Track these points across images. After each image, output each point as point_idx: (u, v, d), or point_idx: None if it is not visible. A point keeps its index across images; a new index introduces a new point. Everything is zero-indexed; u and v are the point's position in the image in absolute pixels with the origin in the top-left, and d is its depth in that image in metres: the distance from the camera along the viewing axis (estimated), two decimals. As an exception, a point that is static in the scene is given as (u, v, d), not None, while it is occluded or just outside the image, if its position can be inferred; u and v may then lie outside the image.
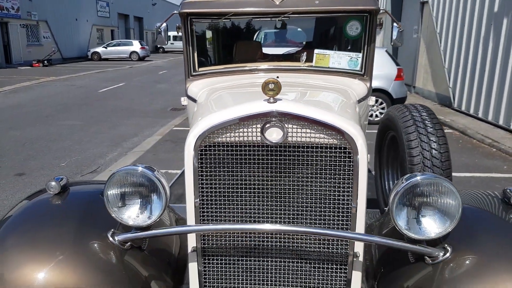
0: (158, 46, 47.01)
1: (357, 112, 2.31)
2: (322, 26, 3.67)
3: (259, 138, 1.64)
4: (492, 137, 8.21)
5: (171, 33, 36.03)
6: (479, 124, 9.34)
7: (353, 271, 1.75)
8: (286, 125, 1.61)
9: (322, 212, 1.70)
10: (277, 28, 3.59)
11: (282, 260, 1.77)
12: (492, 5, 9.40)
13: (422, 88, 13.69)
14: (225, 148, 1.67)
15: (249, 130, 1.64)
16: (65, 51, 31.69)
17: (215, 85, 2.91)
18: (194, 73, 3.19)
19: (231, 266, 1.80)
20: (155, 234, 1.74)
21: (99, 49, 33.58)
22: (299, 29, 4.36)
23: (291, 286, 1.80)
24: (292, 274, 1.79)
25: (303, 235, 1.72)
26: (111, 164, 6.65)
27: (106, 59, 32.79)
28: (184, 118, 10.23)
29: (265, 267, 1.79)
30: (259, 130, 1.63)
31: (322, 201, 1.69)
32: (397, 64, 9.94)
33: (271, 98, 1.60)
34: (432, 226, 1.57)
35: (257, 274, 1.80)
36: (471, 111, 10.17)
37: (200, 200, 1.72)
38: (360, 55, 3.07)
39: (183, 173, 4.45)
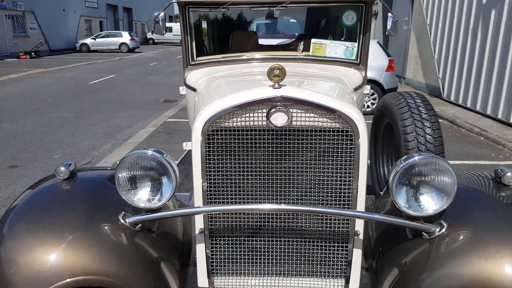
0: (149, 37, 46.59)
1: (354, 99, 2.38)
2: (317, 16, 3.72)
3: (264, 123, 1.70)
4: (480, 126, 8.40)
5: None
6: (467, 114, 9.53)
7: (354, 249, 1.83)
8: (291, 110, 1.67)
9: (325, 193, 1.78)
10: (275, 17, 3.64)
11: (286, 239, 1.85)
12: (481, -4, 9.55)
13: (412, 79, 13.86)
14: (232, 133, 1.73)
15: (255, 115, 1.70)
16: (53, 42, 31.20)
17: (214, 74, 2.96)
18: (192, 63, 3.22)
19: (238, 246, 1.87)
20: (166, 216, 1.81)
21: (88, 41, 33.13)
22: (291, 20, 4.42)
23: (296, 264, 1.88)
24: (296, 253, 1.87)
25: (306, 215, 1.80)
26: (105, 156, 6.66)
27: (95, 51, 32.37)
28: (178, 110, 10.24)
29: (270, 247, 1.86)
30: (264, 115, 1.69)
31: (325, 182, 1.77)
32: (388, 55, 10.06)
33: (276, 83, 1.67)
34: (429, 203, 1.66)
35: (262, 254, 1.87)
36: (460, 101, 10.35)
37: (207, 184, 1.79)
38: (356, 44, 3.14)
39: (180, 163, 4.49)
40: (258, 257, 1.88)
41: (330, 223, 1.81)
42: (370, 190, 3.52)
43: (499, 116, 8.60)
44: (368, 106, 9.68)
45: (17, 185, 5.37)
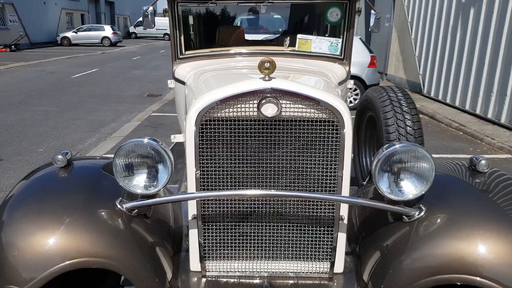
0: (131, 31, 45.97)
1: (339, 92, 2.49)
2: (302, 12, 3.81)
3: (255, 113, 1.79)
4: (459, 121, 8.67)
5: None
6: (447, 109, 9.81)
7: (339, 233, 1.94)
8: (280, 101, 1.77)
9: (312, 180, 1.88)
10: (258, 13, 3.72)
11: (275, 225, 1.95)
12: (460, -5, 9.81)
13: (393, 75, 14.13)
14: (224, 123, 1.81)
15: (246, 105, 1.78)
16: (33, 35, 30.50)
17: (202, 68, 3.02)
18: (181, 56, 3.28)
19: (228, 231, 1.95)
20: (161, 202, 1.88)
21: (69, 34, 32.52)
22: (276, 16, 4.50)
23: (284, 249, 1.98)
24: (284, 237, 1.97)
25: (294, 201, 1.90)
26: (90, 149, 6.64)
27: (77, 45, 31.82)
28: (162, 104, 10.23)
29: (259, 232, 1.96)
30: (255, 105, 1.77)
31: (312, 170, 1.87)
32: (370, 52, 10.25)
33: (267, 76, 1.75)
34: (410, 188, 1.78)
35: (252, 239, 1.96)
36: (440, 97, 10.64)
37: (200, 171, 1.87)
38: (340, 40, 3.24)
39: None
40: (248, 242, 1.97)
41: (316, 209, 1.91)
42: (353, 181, 3.64)
43: (477, 112, 8.89)
44: (350, 102, 9.86)
45: (2, 178, 5.33)
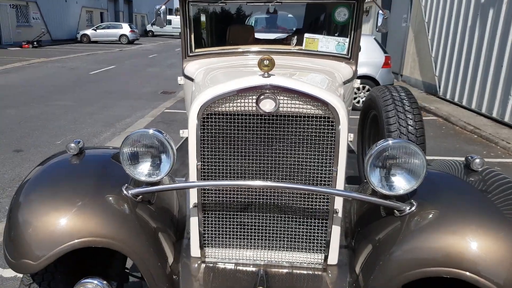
0: (148, 29, 46.55)
1: (340, 91, 2.55)
2: (312, 12, 3.87)
3: (254, 108, 1.86)
4: (474, 124, 8.56)
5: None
6: (462, 112, 9.70)
7: (333, 225, 2.01)
8: (278, 97, 1.84)
9: (308, 174, 1.95)
10: (270, 13, 3.79)
11: (271, 215, 2.03)
12: (478, -4, 9.68)
13: (409, 76, 14.01)
14: (224, 117, 1.90)
15: (246, 101, 1.87)
16: (55, 32, 31.25)
17: (210, 65, 3.12)
18: (190, 54, 3.38)
19: (227, 220, 2.04)
20: (164, 189, 1.99)
21: (89, 32, 33.19)
22: (289, 15, 4.57)
23: (280, 239, 2.06)
24: (280, 228, 2.04)
25: (290, 193, 1.98)
26: (105, 143, 6.84)
27: (96, 42, 32.45)
28: (175, 101, 10.40)
29: (256, 222, 2.04)
30: (254, 101, 1.85)
31: (308, 164, 1.94)
32: (384, 52, 10.20)
33: (266, 73, 1.84)
34: (401, 183, 1.83)
35: (249, 229, 2.05)
36: (456, 99, 10.51)
37: (201, 163, 1.96)
38: (347, 40, 3.29)
39: (177, 150, 4.69)
40: (245, 232, 2.05)
41: (311, 201, 1.98)
42: (356, 179, 3.69)
43: (494, 115, 8.75)
44: (358, 102, 9.83)
45: (22, 168, 5.55)
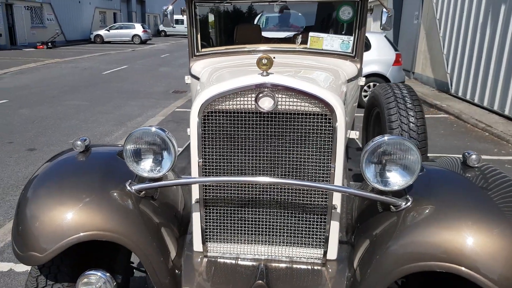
0: (161, 29, 46.90)
1: (342, 89, 2.58)
2: (323, 11, 3.90)
3: (253, 106, 1.91)
4: (486, 121, 8.46)
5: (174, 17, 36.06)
6: (474, 109, 9.58)
7: (332, 221, 2.04)
8: (277, 95, 1.88)
9: (306, 170, 1.99)
10: (276, 12, 3.83)
11: (271, 211, 2.07)
12: (490, -8, 9.56)
13: (421, 73, 13.88)
14: (225, 115, 1.95)
15: (245, 99, 1.91)
16: (68, 33, 31.77)
17: (216, 65, 3.17)
18: (197, 53, 3.45)
19: (228, 216, 2.10)
20: (165, 184, 2.06)
21: (102, 32, 33.64)
22: (299, 14, 4.61)
23: (280, 234, 2.10)
24: (280, 224, 2.09)
25: (290, 189, 2.02)
26: (117, 142, 6.96)
27: (109, 42, 32.87)
28: (186, 100, 10.51)
29: (257, 217, 2.08)
30: (253, 99, 1.89)
31: (306, 161, 1.98)
32: (395, 49, 10.13)
33: (264, 71, 1.88)
34: (396, 179, 1.86)
35: (250, 224, 2.10)
36: (468, 97, 10.39)
37: (203, 160, 2.02)
38: (352, 38, 3.32)
39: (185, 149, 4.79)
40: (246, 227, 2.10)
41: (310, 197, 2.02)
42: (359, 177, 3.69)
43: (506, 112, 8.63)
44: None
45: (35, 166, 5.69)
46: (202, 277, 2.05)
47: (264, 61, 1.85)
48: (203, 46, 3.48)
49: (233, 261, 2.10)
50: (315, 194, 2.01)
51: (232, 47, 3.50)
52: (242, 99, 1.92)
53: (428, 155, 3.14)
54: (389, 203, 1.88)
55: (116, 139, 7.16)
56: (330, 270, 2.07)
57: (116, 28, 34.23)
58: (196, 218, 2.11)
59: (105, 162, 2.14)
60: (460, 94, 10.84)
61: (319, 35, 3.41)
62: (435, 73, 12.62)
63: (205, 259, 2.12)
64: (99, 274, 1.80)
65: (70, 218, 1.79)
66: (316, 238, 2.08)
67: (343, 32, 3.51)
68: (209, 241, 2.13)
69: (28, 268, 2.06)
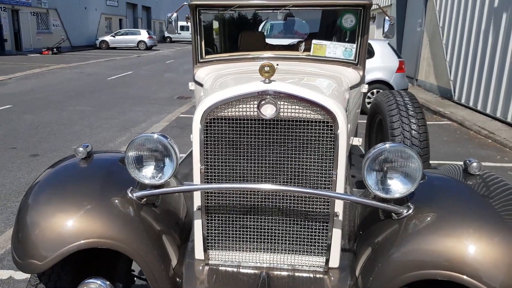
0: (166, 35, 47.21)
1: (345, 96, 2.59)
2: (327, 18, 3.92)
3: (255, 113, 1.92)
4: (489, 128, 8.44)
5: (179, 23, 36.40)
6: (477, 116, 9.56)
7: (334, 229, 2.04)
8: (279, 102, 1.89)
9: (308, 177, 1.99)
10: (279, 20, 3.86)
11: (274, 218, 2.07)
12: (492, 0, 9.57)
13: (424, 80, 13.88)
14: (227, 122, 1.96)
15: (247, 106, 1.92)
16: (74, 39, 32.04)
17: (220, 71, 3.19)
18: (201, 60, 3.47)
19: (230, 223, 2.09)
20: (167, 191, 2.06)
21: (107, 38, 33.90)
22: (303, 21, 4.64)
23: (282, 242, 2.09)
24: (282, 231, 2.08)
25: (292, 196, 2.02)
26: (120, 148, 6.99)
27: (114, 48, 33.11)
28: (191, 106, 10.54)
29: (259, 225, 2.08)
30: (255, 106, 1.90)
31: (308, 168, 1.98)
32: (398, 57, 10.15)
33: (266, 79, 1.90)
34: (397, 186, 1.86)
35: (251, 231, 2.09)
36: (471, 104, 10.38)
37: (205, 167, 2.02)
38: (354, 45, 3.34)
39: (188, 155, 4.80)
40: (248, 235, 2.09)
41: (313, 204, 2.02)
42: (361, 184, 3.69)
43: (509, 119, 8.62)
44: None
45: (38, 172, 5.72)
46: (203, 286, 2.03)
47: (266, 68, 1.86)
48: (207, 53, 3.50)
49: (235, 269, 2.09)
50: (317, 201, 2.01)
51: (236, 54, 3.52)
52: (244, 106, 1.93)
53: (431, 162, 3.14)
54: (390, 210, 1.88)
55: (120, 145, 7.19)
56: (332, 278, 2.06)
57: (122, 34, 34.49)
58: (197, 225, 2.11)
59: (106, 168, 2.14)
60: (463, 101, 10.83)
61: (322, 43, 3.43)
62: (438, 80, 12.62)
63: (207, 267, 2.11)
64: (99, 282, 1.78)
65: (70, 225, 1.79)
66: (318, 245, 2.07)
67: (346, 40, 3.53)
68: (211, 249, 2.13)
69: (28, 275, 2.05)
